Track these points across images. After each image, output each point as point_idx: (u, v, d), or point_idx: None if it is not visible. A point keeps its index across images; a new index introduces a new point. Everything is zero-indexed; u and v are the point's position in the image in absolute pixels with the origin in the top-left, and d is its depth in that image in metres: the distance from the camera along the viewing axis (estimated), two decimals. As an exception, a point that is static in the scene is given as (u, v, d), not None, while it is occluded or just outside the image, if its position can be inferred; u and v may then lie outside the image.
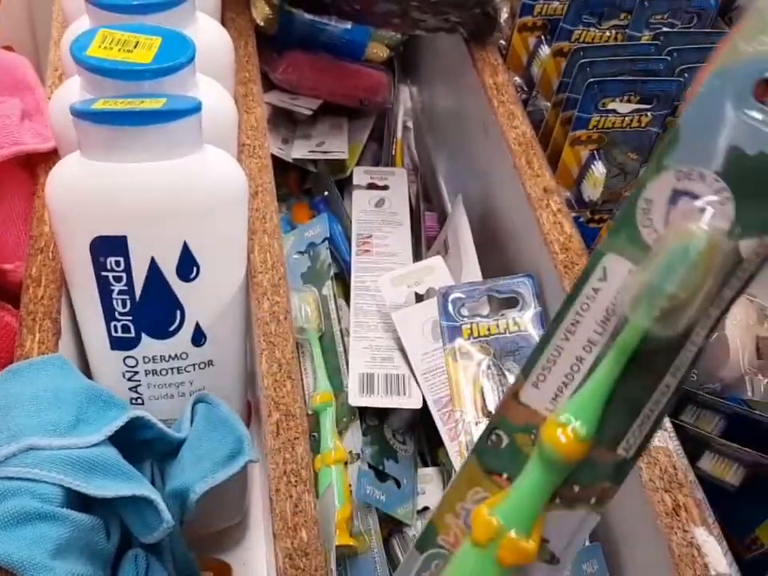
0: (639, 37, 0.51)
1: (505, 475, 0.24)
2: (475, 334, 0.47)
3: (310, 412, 0.45)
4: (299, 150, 0.62)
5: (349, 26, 0.66)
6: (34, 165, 0.45)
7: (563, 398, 0.23)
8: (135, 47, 0.39)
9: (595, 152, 0.50)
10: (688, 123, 0.21)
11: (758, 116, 0.20)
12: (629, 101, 0.48)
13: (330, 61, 0.65)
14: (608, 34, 0.53)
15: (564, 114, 0.50)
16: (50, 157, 0.45)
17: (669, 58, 0.48)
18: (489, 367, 0.45)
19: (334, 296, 0.50)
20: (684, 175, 0.21)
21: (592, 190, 0.52)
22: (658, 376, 0.22)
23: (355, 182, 0.59)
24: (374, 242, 0.54)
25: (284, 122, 0.66)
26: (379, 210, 0.57)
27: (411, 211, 0.58)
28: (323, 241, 0.52)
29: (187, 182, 0.37)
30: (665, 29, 0.51)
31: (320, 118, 0.67)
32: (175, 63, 0.38)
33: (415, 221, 0.58)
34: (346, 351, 0.48)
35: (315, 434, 0.45)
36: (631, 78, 0.48)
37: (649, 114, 0.48)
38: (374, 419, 0.45)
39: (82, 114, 0.35)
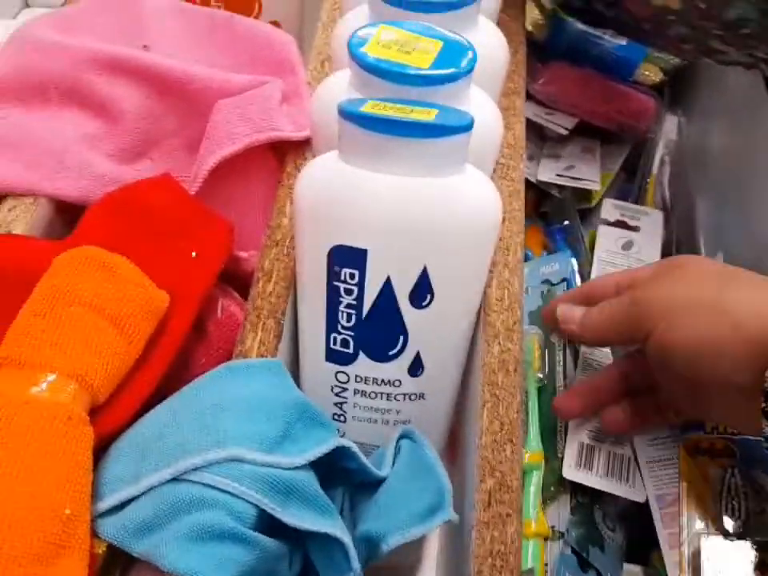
0: None
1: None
2: (720, 428, 0.40)
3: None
4: (546, 173, 0.57)
5: (624, 41, 0.60)
6: (283, 151, 0.44)
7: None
8: (414, 49, 0.36)
9: None
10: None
11: None
12: None
13: (597, 78, 0.59)
14: None
15: None
16: (301, 146, 0.43)
17: None
18: (732, 474, 0.38)
19: (564, 345, 0.45)
20: None
21: None
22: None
23: (603, 215, 0.53)
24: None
25: (532, 136, 0.62)
26: (626, 254, 0.50)
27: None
28: (561, 281, 0.47)
29: (442, 204, 0.33)
30: None
31: (571, 138, 0.61)
32: (454, 72, 0.35)
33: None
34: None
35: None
36: None
37: None
38: (585, 497, 0.40)
39: (350, 116, 0.33)
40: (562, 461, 0.40)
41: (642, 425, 0.40)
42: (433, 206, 0.33)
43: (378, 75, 0.35)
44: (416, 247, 0.34)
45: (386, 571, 0.45)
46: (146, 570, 0.30)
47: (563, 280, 0.48)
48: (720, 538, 0.36)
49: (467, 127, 0.33)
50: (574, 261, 0.51)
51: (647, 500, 0.39)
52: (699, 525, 0.37)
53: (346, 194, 0.34)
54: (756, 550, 0.36)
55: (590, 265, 0.52)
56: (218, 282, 0.38)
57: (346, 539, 0.31)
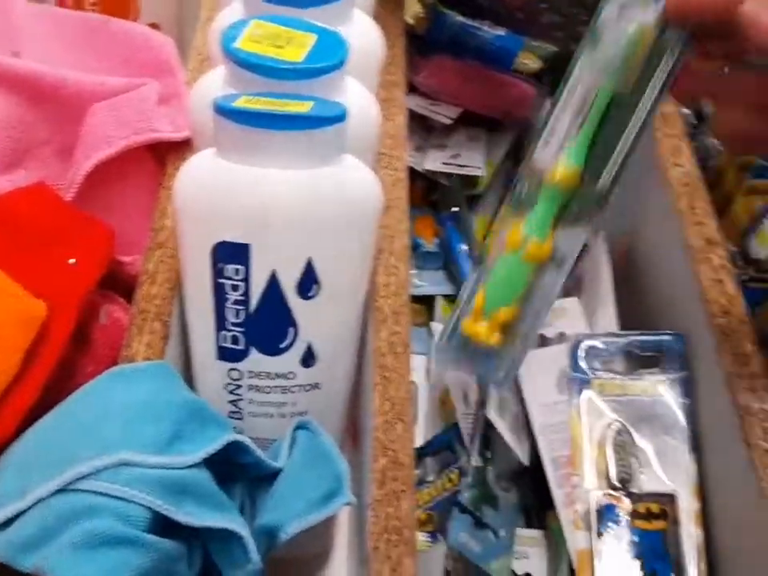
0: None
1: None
2: (607, 392, 0.42)
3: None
4: (433, 162, 0.59)
5: (502, 32, 0.62)
6: (163, 153, 0.43)
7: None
8: (287, 43, 0.36)
9: (771, 204, 0.44)
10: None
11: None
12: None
13: (478, 68, 0.61)
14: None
15: (743, 157, 0.44)
16: (181, 146, 0.43)
17: None
18: (619, 433, 0.41)
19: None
20: None
21: (760, 247, 0.46)
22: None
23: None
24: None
25: (418, 128, 0.63)
26: None
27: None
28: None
29: (323, 194, 0.34)
30: None
31: (457, 128, 0.63)
32: (327, 65, 0.35)
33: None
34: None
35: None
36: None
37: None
38: (477, 460, 0.41)
39: (224, 111, 0.33)
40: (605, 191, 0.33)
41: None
42: (312, 197, 0.34)
43: (251, 70, 0.35)
44: (299, 239, 0.34)
45: (297, 563, 0.45)
46: (37, 585, 0.30)
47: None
48: (609, 493, 0.38)
49: (341, 118, 0.34)
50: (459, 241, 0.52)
51: (540, 463, 0.41)
52: (589, 482, 0.39)
53: (224, 191, 0.34)
54: (640, 500, 0.38)
55: (480, 250, 0.54)
56: (101, 287, 0.37)
57: (244, 532, 0.31)
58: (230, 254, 0.35)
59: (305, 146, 0.33)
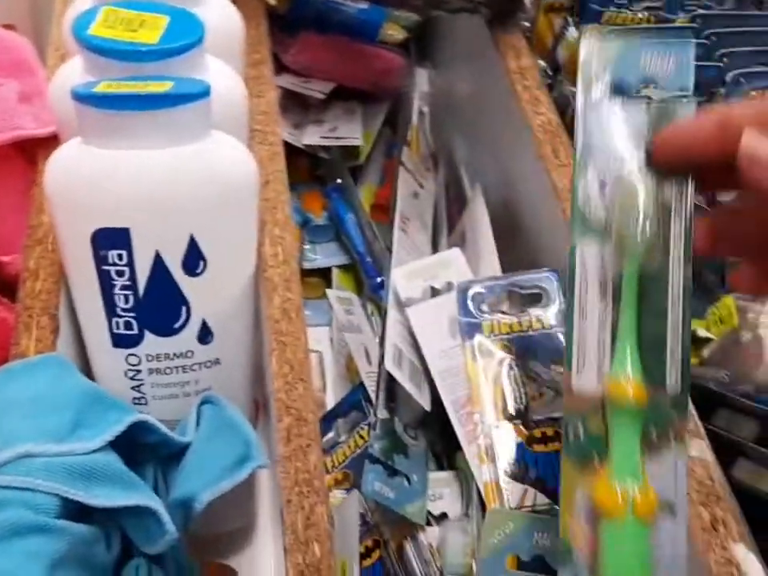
0: (674, 20, 0.48)
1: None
2: (496, 331, 0.44)
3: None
4: (311, 136, 0.60)
5: (365, 5, 0.64)
6: (33, 151, 0.43)
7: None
8: (141, 26, 0.36)
9: (625, 141, 0.47)
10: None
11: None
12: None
13: (344, 42, 0.62)
14: (640, 16, 0.50)
15: (593, 100, 0.47)
16: (50, 143, 0.43)
17: (707, 42, 0.45)
18: (511, 367, 0.43)
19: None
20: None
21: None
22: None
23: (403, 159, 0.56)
24: (410, 225, 0.52)
25: (295, 106, 0.64)
26: (415, 202, 0.54)
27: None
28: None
29: (194, 171, 0.35)
30: (700, 11, 0.48)
31: (332, 103, 0.64)
32: (183, 44, 0.36)
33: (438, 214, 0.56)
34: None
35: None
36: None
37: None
38: (384, 413, 0.43)
39: (83, 98, 0.33)
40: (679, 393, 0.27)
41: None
42: (184, 174, 0.34)
43: (107, 55, 0.35)
44: (177, 216, 0.35)
45: (223, 539, 0.46)
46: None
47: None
48: (507, 423, 0.41)
49: (204, 94, 0.34)
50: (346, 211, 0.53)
51: (444, 408, 0.43)
52: (489, 417, 0.41)
53: (95, 177, 0.34)
54: (536, 427, 0.41)
55: (367, 216, 0.56)
56: (-18, 289, 0.36)
57: (156, 506, 0.32)
58: (110, 239, 0.35)
59: (169, 125, 0.34)
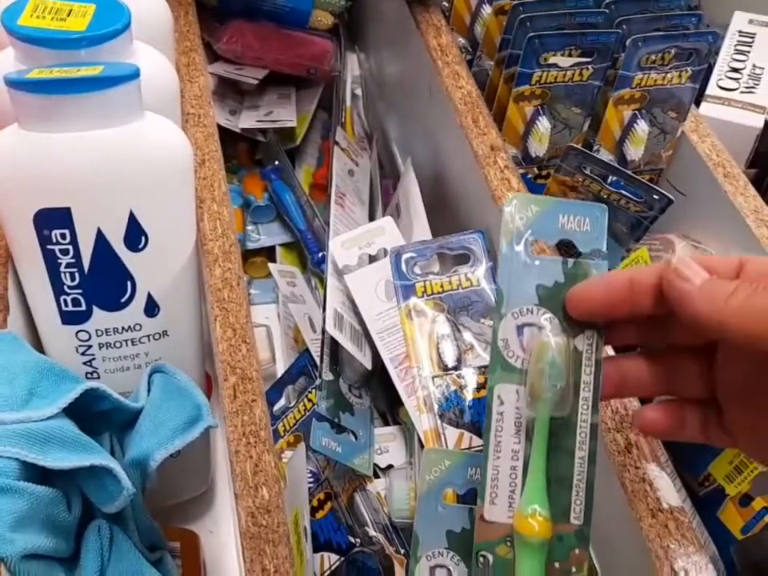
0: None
1: None
2: (429, 292, 0.47)
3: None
4: (247, 120, 0.62)
5: (292, -6, 0.66)
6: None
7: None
8: (69, 15, 0.38)
9: (539, 108, 0.50)
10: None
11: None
12: (570, 54, 0.49)
13: (274, 29, 0.65)
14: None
15: (507, 71, 0.50)
16: (-12, 133, 0.44)
17: (607, 11, 0.49)
18: (443, 323, 0.46)
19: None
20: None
21: (538, 146, 0.52)
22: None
23: (337, 138, 0.58)
24: (346, 201, 0.54)
25: (231, 93, 0.66)
26: (351, 179, 0.57)
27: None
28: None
29: (129, 150, 0.36)
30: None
31: (267, 89, 0.67)
32: (110, 30, 0.37)
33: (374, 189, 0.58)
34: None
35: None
36: (571, 31, 0.48)
37: (590, 67, 0.49)
38: (329, 375, 0.45)
39: (17, 84, 0.35)
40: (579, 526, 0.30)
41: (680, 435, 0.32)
42: (119, 154, 0.36)
43: (38, 44, 0.37)
44: (115, 194, 0.37)
45: (184, 506, 0.48)
46: None
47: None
48: (443, 374, 0.44)
49: (133, 75, 0.36)
50: (286, 191, 0.56)
51: (384, 367, 0.45)
52: (426, 370, 0.44)
53: (33, 160, 0.36)
54: (474, 375, 0.44)
55: (306, 194, 0.58)
56: (-70, 276, 0.38)
57: (112, 464, 0.33)
58: (53, 219, 0.36)
59: (102, 107, 0.35)
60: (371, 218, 0.59)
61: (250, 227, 0.61)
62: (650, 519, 0.34)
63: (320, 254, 0.58)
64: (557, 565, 0.30)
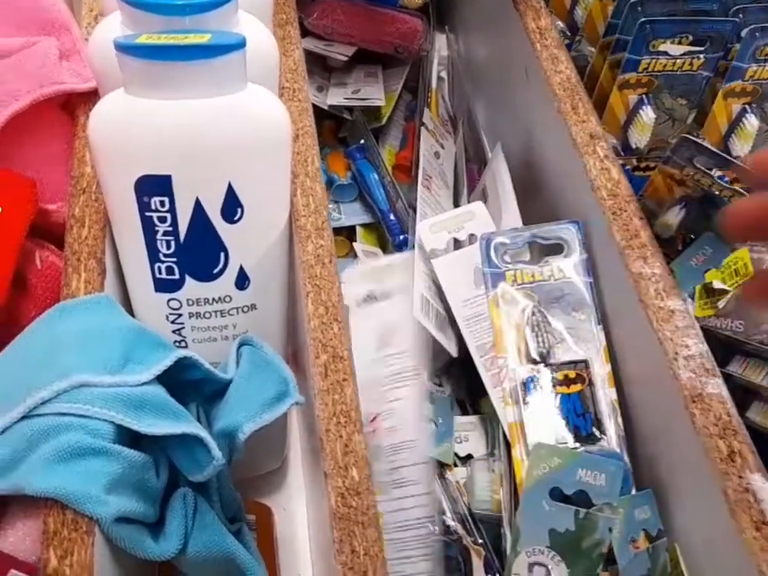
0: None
1: None
2: (519, 281, 0.46)
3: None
4: (335, 98, 0.61)
5: (385, -30, 0.64)
6: (74, 106, 0.44)
7: None
8: (178, -19, 0.38)
9: (644, 96, 0.48)
10: (524, 517, 0.36)
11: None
12: (680, 42, 0.47)
13: (364, 6, 0.63)
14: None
15: (613, 56, 0.48)
16: (90, 98, 0.44)
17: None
18: (533, 314, 0.45)
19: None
20: (531, 552, 0.36)
21: (639, 137, 0.50)
22: None
23: (424, 120, 0.57)
24: (433, 183, 0.54)
25: (318, 69, 0.65)
26: (437, 162, 0.56)
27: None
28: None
29: (232, 120, 0.36)
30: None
31: (355, 66, 0.66)
32: (218, -2, 0.37)
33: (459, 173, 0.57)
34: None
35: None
36: (684, 18, 0.46)
37: (701, 56, 0.47)
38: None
39: (127, 49, 0.34)
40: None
41: None
42: (222, 124, 0.36)
43: (146, 9, 0.37)
44: (216, 165, 0.37)
45: (258, 480, 0.48)
46: (17, 506, 0.32)
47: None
48: (531, 366, 0.43)
49: (240, 45, 0.36)
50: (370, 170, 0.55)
51: (468, 355, 0.44)
52: (513, 362, 0.43)
53: (138, 126, 0.36)
54: (558, 369, 0.43)
55: (390, 175, 0.57)
56: (31, 236, 0.38)
57: (203, 434, 0.33)
58: (153, 186, 0.36)
59: (209, 75, 0.35)
60: (455, 202, 0.58)
61: (331, 206, 0.61)
62: (753, 532, 0.33)
63: (402, 237, 0.57)
64: None
